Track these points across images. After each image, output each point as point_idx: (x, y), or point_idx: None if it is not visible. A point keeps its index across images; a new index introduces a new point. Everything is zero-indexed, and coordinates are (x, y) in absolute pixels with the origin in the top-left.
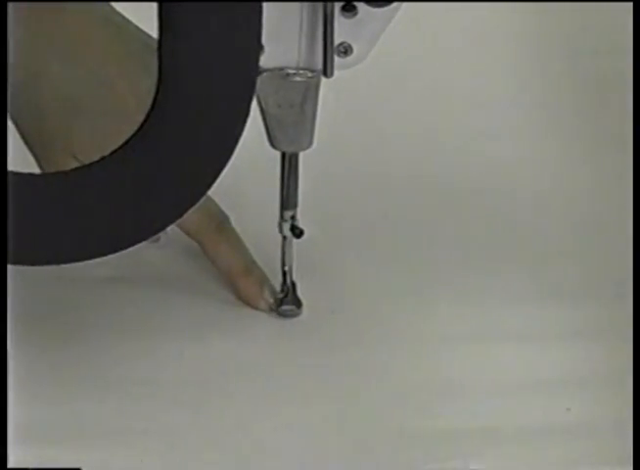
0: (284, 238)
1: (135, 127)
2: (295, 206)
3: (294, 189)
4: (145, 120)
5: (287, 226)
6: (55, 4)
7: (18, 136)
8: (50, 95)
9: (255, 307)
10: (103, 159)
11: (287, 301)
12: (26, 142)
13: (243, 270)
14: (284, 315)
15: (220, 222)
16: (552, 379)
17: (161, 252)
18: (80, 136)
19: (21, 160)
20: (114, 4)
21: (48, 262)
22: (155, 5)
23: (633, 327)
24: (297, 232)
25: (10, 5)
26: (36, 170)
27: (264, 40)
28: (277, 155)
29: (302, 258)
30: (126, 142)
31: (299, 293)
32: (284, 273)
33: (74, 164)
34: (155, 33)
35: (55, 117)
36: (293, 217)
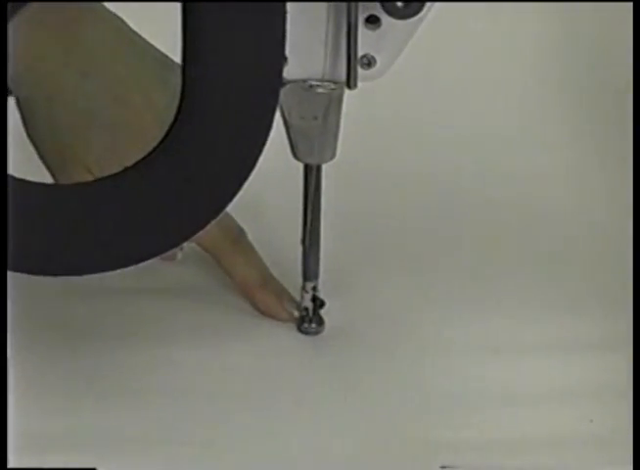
0: (304, 252)
1: (150, 142)
2: (316, 277)
3: (315, 260)
4: (167, 133)
5: (308, 297)
6: (71, 20)
7: (31, 149)
8: (66, 110)
9: (276, 318)
10: (124, 171)
11: (309, 319)
12: (42, 157)
13: (259, 283)
14: (306, 333)
15: (236, 236)
16: (575, 390)
17: (179, 264)
18: (96, 151)
19: (34, 170)
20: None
21: (68, 274)
22: (166, 17)
23: (633, 335)
24: (319, 303)
25: (25, 22)
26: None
27: (288, 52)
28: (297, 166)
29: (323, 270)
30: (148, 155)
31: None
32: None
33: (89, 179)
34: (164, 45)
35: (71, 131)
36: (314, 288)
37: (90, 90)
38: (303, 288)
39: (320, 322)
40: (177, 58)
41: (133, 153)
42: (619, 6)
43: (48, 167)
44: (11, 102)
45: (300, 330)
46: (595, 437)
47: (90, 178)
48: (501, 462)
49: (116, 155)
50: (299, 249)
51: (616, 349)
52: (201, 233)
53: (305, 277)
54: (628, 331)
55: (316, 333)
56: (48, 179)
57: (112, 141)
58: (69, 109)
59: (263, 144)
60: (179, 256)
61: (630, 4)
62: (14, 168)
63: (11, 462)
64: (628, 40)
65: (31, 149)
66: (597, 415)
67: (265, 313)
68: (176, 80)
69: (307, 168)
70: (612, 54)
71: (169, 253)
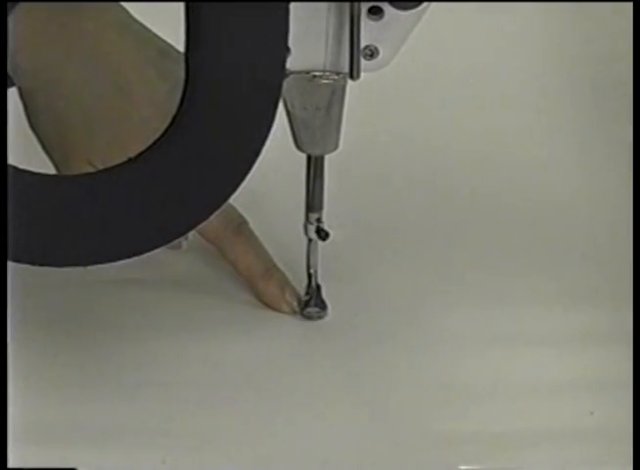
0: (309, 240)
1: (152, 135)
2: (320, 208)
3: (319, 191)
4: (170, 124)
5: (312, 229)
6: (73, 12)
7: (33, 140)
8: (67, 102)
9: (278, 310)
10: (128, 161)
11: (312, 303)
12: (45, 148)
13: (263, 273)
14: (309, 318)
15: (238, 225)
16: (575, 382)
17: (182, 254)
18: (97, 144)
19: (36, 161)
20: (128, 9)
21: (70, 265)
22: (169, 9)
23: (634, 327)
24: (323, 235)
25: (26, 14)
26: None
27: (291, 42)
28: (299, 157)
29: (326, 260)
30: (151, 145)
31: (323, 295)
32: (309, 276)
33: (90, 171)
34: (168, 36)
35: (72, 124)
36: (318, 220)
37: (92, 82)
38: (307, 219)
39: (323, 307)
40: (180, 48)
41: (134, 146)
42: (619, 6)
43: (51, 159)
44: (13, 92)
45: (303, 314)
46: (595, 429)
47: (90, 170)
48: (501, 455)
49: (118, 148)
50: (302, 239)
51: (616, 341)
52: (203, 224)
53: (309, 208)
54: (629, 323)
55: (319, 318)
56: (50, 170)
57: (113, 134)
58: (71, 101)
59: (266, 135)
60: (184, 245)
61: (630, 4)
62: (16, 159)
63: (10, 459)
64: (628, 39)
65: (34, 139)
66: (597, 407)
67: (267, 304)
68: (177, 69)
69: (310, 159)
70: (612, 52)
71: (175, 242)
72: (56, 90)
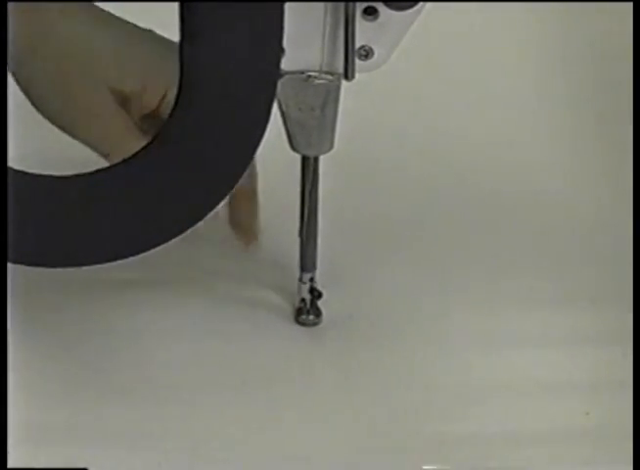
0: (301, 244)
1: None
2: (314, 268)
3: (312, 251)
4: (166, 123)
5: (305, 288)
6: (40, 10)
7: (31, 139)
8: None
9: (236, 234)
10: (124, 161)
11: (307, 310)
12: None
13: (250, 194)
14: (304, 325)
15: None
16: (571, 383)
17: (181, 255)
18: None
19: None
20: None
21: (68, 265)
22: (167, 8)
23: (633, 330)
24: (317, 294)
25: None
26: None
27: (285, 43)
28: (294, 158)
29: (320, 261)
30: (147, 144)
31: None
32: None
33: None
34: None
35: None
36: (311, 279)
37: (56, 83)
38: (301, 279)
39: (318, 313)
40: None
41: None
42: (619, 6)
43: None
44: (13, 92)
45: (298, 321)
46: (591, 429)
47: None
48: (498, 455)
49: None
50: (297, 241)
51: (612, 341)
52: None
53: (303, 268)
54: (628, 323)
55: (314, 324)
56: (50, 170)
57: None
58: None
59: (261, 135)
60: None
61: (630, 4)
62: (15, 157)
63: (10, 459)
64: (628, 39)
65: (31, 139)
66: (593, 408)
67: (233, 225)
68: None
69: (305, 160)
70: (612, 52)
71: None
72: (27, 87)
